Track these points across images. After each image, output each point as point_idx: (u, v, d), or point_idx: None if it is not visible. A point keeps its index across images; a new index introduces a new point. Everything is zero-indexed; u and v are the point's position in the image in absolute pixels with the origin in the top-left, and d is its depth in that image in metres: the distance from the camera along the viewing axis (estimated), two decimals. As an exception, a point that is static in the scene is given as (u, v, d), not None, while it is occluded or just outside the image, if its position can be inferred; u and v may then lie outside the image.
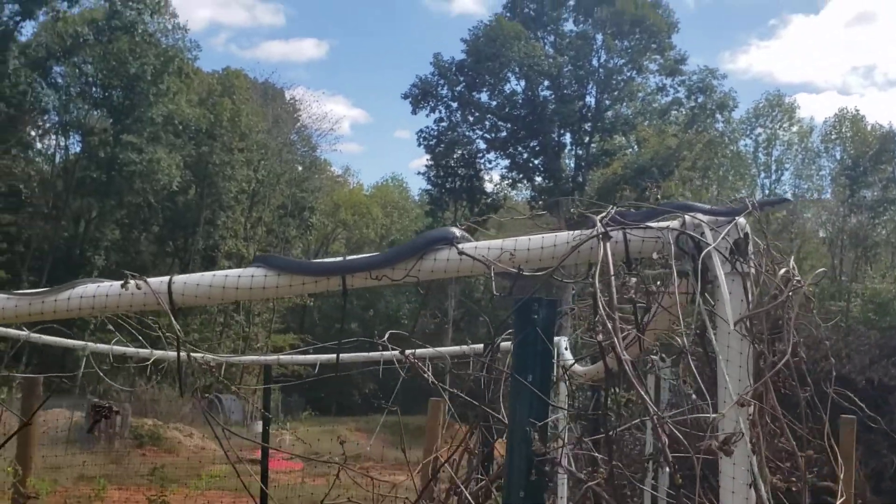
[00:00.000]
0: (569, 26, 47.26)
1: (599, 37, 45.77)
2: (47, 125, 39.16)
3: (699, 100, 45.58)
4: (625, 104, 47.07)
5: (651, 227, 1.95)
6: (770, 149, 47.35)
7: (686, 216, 1.97)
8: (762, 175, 48.27)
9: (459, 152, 47.67)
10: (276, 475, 15.82)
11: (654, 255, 1.87)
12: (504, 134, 46.85)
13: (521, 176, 47.55)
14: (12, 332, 7.75)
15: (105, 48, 36.54)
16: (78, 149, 39.32)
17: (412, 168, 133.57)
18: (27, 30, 36.48)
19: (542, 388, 2.55)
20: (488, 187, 49.37)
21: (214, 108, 42.25)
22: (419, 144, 47.98)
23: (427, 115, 47.61)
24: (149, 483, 11.11)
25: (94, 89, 38.03)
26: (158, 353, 6.87)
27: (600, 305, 1.76)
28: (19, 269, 34.58)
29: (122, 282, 2.09)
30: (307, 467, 18.77)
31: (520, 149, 46.80)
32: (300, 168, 50.45)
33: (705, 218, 1.97)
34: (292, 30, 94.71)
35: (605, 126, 46.28)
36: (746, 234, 1.92)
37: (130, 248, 42.39)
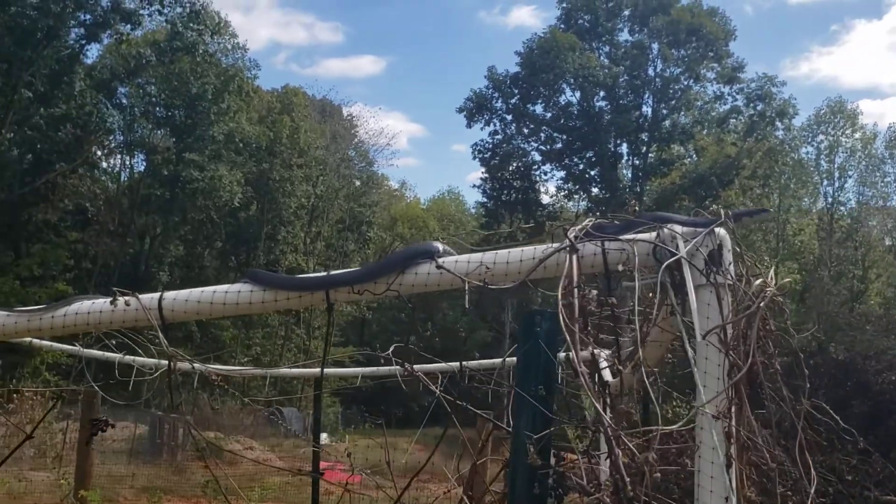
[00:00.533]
0: (624, 36, 46.94)
1: (655, 46, 45.32)
2: (112, 145, 40.23)
3: (758, 108, 44.76)
4: (682, 113, 46.48)
5: (622, 240, 1.94)
6: (832, 156, 46.24)
7: (662, 228, 1.96)
8: (825, 182, 47.17)
9: (514, 164, 47.60)
10: (332, 487, 15.96)
11: (620, 267, 1.87)
12: (559, 145, 46.67)
13: (576, 187, 47.25)
14: (68, 347, 8.00)
15: (167, 69, 37.45)
16: (142, 167, 40.37)
17: (469, 181, 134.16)
18: (92, 52, 37.61)
19: (545, 399, 2.56)
20: (544, 199, 49.18)
21: (274, 125, 42.97)
22: (474, 158, 48.06)
23: (482, 129, 47.71)
24: (203, 494, 11.29)
25: (157, 109, 38.98)
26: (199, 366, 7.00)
27: (562, 318, 1.77)
28: (86, 285, 35.49)
29: (113, 298, 2.16)
30: (365, 479, 18.91)
31: (575, 160, 46.54)
32: (358, 183, 51.00)
33: (681, 229, 1.97)
34: (351, 47, 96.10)
35: (663, 135, 45.77)
36: (720, 245, 1.91)
37: (194, 264, 43.27)
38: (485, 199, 48.91)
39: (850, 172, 46.94)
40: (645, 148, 46.25)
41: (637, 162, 46.58)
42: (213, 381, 2.60)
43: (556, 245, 2.00)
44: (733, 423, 1.75)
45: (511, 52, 57.72)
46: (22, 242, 34.42)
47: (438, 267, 2.07)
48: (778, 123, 45.35)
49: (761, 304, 1.80)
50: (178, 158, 37.71)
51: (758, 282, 1.91)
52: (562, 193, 48.51)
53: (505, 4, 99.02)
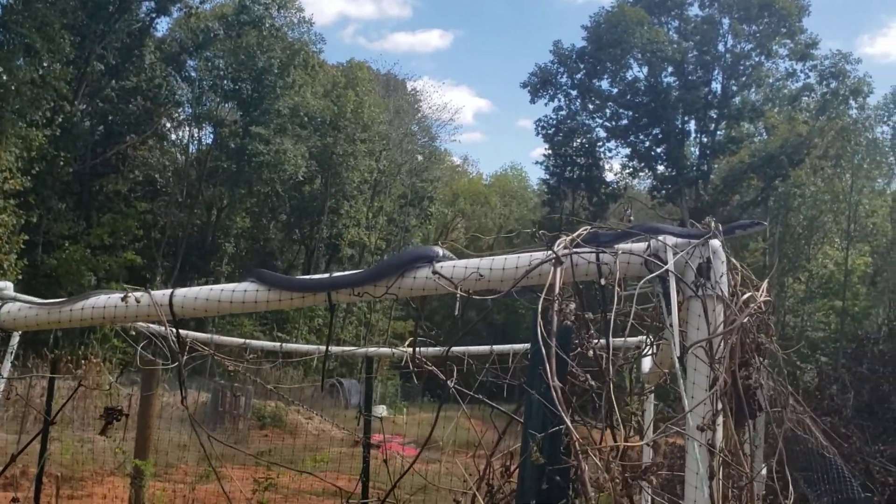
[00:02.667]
0: (694, 11, 45.98)
1: (726, 21, 44.32)
2: (181, 117, 40.97)
3: (832, 85, 43.49)
4: (753, 90, 45.45)
5: (612, 252, 1.95)
6: (909, 136, 44.86)
7: (653, 239, 1.97)
8: (901, 163, 45.82)
9: (579, 141, 47.17)
10: (388, 460, 16.18)
11: (618, 276, 1.88)
12: (625, 122, 46.05)
13: (642, 164, 46.64)
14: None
15: (234, 42, 37.95)
16: (210, 140, 41.02)
17: (533, 157, 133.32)
18: (162, 25, 38.33)
19: (552, 399, 2.58)
20: (608, 176, 48.71)
21: (338, 99, 43.22)
22: (537, 134, 47.75)
23: (546, 104, 47.32)
24: (258, 464, 11.54)
25: (224, 82, 39.52)
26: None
27: (539, 333, 1.79)
28: (154, 255, 36.41)
29: (125, 294, 2.25)
30: (422, 452, 19.11)
31: (641, 137, 45.90)
32: (420, 158, 51.10)
33: (673, 240, 1.97)
34: (419, 21, 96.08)
35: (732, 113, 44.82)
36: (709, 259, 1.90)
37: (259, 236, 43.97)
38: (547, 176, 48.59)
39: (926, 153, 45.49)
40: (713, 125, 45.41)
41: (705, 139, 45.79)
42: (227, 368, 2.65)
43: (543, 256, 2.02)
44: (718, 435, 1.76)
45: (579, 27, 56.95)
46: (93, 212, 35.37)
47: (434, 272, 2.11)
48: (852, 102, 44.02)
49: (745, 320, 1.80)
50: (244, 132, 38.25)
51: (745, 296, 1.91)
52: (626, 171, 48.04)
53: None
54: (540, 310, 1.86)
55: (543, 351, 1.80)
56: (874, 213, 47.54)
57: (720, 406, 1.74)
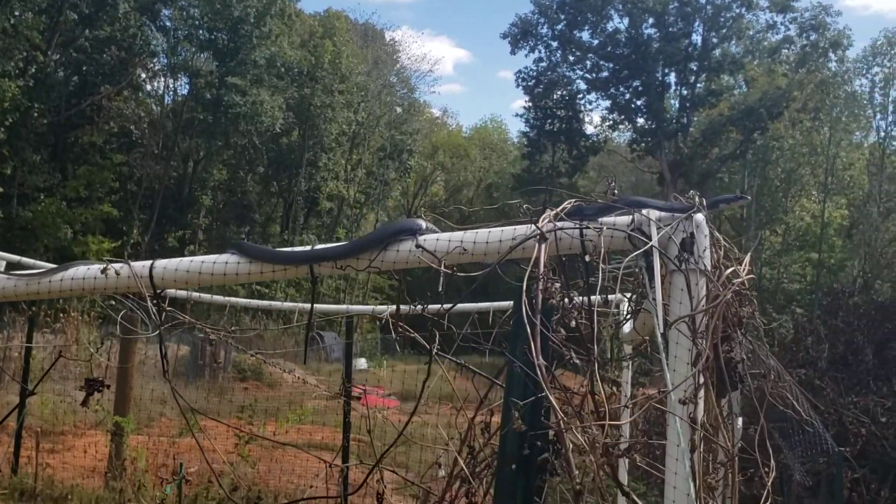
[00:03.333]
0: (675, -39, 45.58)
1: (708, -29, 44.04)
2: (156, 67, 40.35)
3: (811, 38, 43.40)
4: (733, 42, 45.23)
5: (596, 227, 1.95)
6: (887, 89, 44.97)
7: (637, 213, 1.97)
8: (878, 116, 46.00)
9: (559, 93, 46.92)
10: (368, 411, 16.31)
11: (602, 251, 1.87)
12: (605, 74, 45.81)
13: (622, 117, 46.51)
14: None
15: (210, -9, 37.28)
16: (185, 91, 40.46)
17: (513, 109, 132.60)
18: (136, -26, 37.44)
19: (534, 366, 2.59)
20: (588, 129, 48.58)
21: (316, 50, 42.68)
22: (518, 86, 47.47)
23: (526, 56, 46.98)
24: (240, 417, 11.61)
25: (199, 32, 38.84)
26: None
27: (524, 310, 1.79)
28: (131, 208, 36.10)
29: (105, 266, 2.22)
30: (403, 404, 19.27)
31: (621, 89, 45.70)
32: (399, 110, 50.71)
33: (657, 214, 1.97)
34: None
35: (712, 65, 44.67)
36: (692, 234, 1.90)
37: (237, 189, 43.64)
38: (527, 129, 48.43)
39: (905, 106, 45.71)
40: (693, 78, 45.29)
41: (685, 92, 45.69)
42: (208, 336, 2.63)
43: (528, 232, 2.01)
44: (699, 409, 1.78)
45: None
46: (68, 164, 34.93)
47: (417, 246, 2.10)
48: (831, 55, 44.03)
49: (728, 296, 1.81)
50: (220, 82, 37.71)
51: (728, 271, 1.91)
52: (606, 124, 47.87)
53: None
54: (525, 287, 1.86)
55: (528, 330, 1.80)
56: (851, 166, 47.90)
57: (702, 380, 1.76)
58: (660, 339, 1.86)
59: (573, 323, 2.08)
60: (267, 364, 27.04)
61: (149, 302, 2.20)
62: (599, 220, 1.99)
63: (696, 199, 1.93)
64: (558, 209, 2.02)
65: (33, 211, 31.76)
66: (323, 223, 46.14)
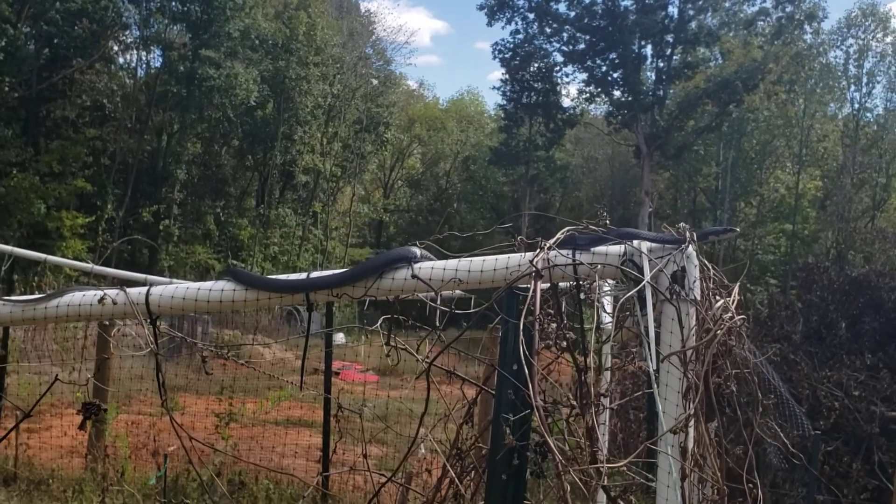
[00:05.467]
0: (652, -69, 45.39)
1: (684, -58, 43.91)
2: (129, 40, 39.75)
3: (787, 10, 43.51)
4: (709, 14, 45.24)
5: (585, 264, 1.99)
6: (861, 61, 45.29)
7: (627, 244, 2.00)
8: (852, 88, 46.33)
9: (536, 66, 46.78)
10: (349, 387, 16.37)
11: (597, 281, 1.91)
12: (582, 46, 45.65)
13: (598, 90, 46.45)
14: (82, 265, 8.21)
15: (181, -39, 36.76)
16: (158, 63, 39.96)
17: (490, 81, 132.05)
18: (106, -56, 36.76)
19: (525, 377, 2.64)
20: (565, 102, 48.54)
21: (290, 21, 42.28)
22: (494, 58, 47.29)
23: (503, 27, 46.79)
24: (220, 395, 11.63)
25: (172, 3, 38.30)
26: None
27: (521, 351, 1.83)
28: (105, 182, 35.75)
29: (102, 295, 2.23)
30: (382, 380, 19.35)
31: (598, 61, 45.60)
32: (375, 82, 50.40)
33: (647, 246, 2.00)
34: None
35: (688, 37, 44.68)
36: (684, 268, 1.94)
37: (211, 162, 43.30)
38: (504, 102, 48.32)
39: (878, 78, 46.16)
40: (669, 50, 45.28)
41: (661, 64, 45.69)
42: (203, 357, 2.63)
43: (521, 261, 2.05)
44: (690, 439, 1.83)
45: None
46: (41, 138, 34.50)
47: (413, 276, 2.13)
48: (806, 27, 44.19)
49: (719, 332, 1.86)
50: (193, 55, 37.27)
51: (718, 304, 1.96)
52: (583, 97, 47.82)
53: None
54: (522, 327, 1.90)
55: (527, 371, 1.84)
56: (825, 138, 48.31)
57: (692, 410, 1.81)
58: (652, 374, 1.91)
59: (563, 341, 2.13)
60: (246, 340, 27.08)
61: (145, 328, 2.22)
62: (592, 250, 2.03)
63: (687, 232, 1.98)
64: (552, 240, 2.05)
65: (6, 186, 31.40)
66: (299, 197, 45.96)
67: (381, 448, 11.09)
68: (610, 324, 2.26)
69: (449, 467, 2.95)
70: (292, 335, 30.09)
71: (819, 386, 11.82)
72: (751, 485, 1.89)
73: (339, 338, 29.91)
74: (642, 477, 2.18)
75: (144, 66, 41.06)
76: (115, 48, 39.09)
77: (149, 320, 2.26)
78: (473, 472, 3.21)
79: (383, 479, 3.86)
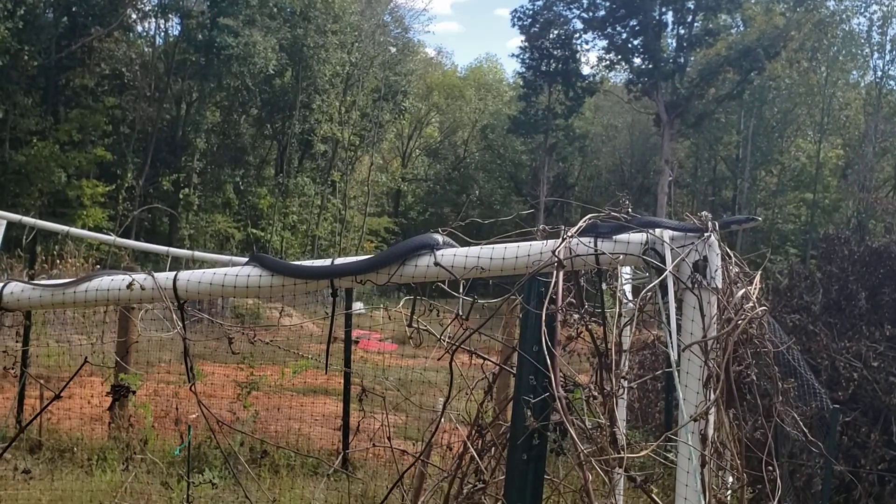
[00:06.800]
0: None
1: None
2: (147, 8, 39.69)
3: (810, -24, 42.85)
4: (732, -21, 44.59)
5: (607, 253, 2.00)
6: (885, 27, 44.58)
7: (649, 232, 2.01)
8: (875, 56, 45.64)
9: (556, 32, 46.30)
10: (367, 356, 16.48)
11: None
12: (602, 13, 45.13)
13: (618, 57, 45.95)
14: (103, 237, 8.29)
15: (199, -72, 36.58)
16: (177, 32, 39.91)
17: (509, 48, 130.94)
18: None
19: (543, 359, 2.67)
20: (585, 70, 48.11)
21: (308, -12, 42.06)
22: (513, 25, 46.83)
23: (523, -7, 46.27)
24: (241, 361, 11.72)
25: (191, -29, 38.25)
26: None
27: (544, 343, 1.85)
28: (125, 151, 35.88)
29: (130, 280, 2.26)
30: (400, 348, 19.45)
31: (618, 28, 45.09)
32: (393, 50, 50.11)
33: (670, 234, 2.01)
34: None
35: (710, 4, 44.02)
36: (706, 257, 1.95)
37: (230, 131, 43.34)
38: (523, 70, 47.89)
39: (903, 45, 45.38)
40: (691, 17, 44.70)
41: (682, 31, 45.14)
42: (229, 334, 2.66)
43: (543, 249, 2.06)
44: (710, 427, 1.85)
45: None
46: (60, 107, 34.66)
47: (436, 264, 2.15)
48: (830, -7, 43.49)
49: (740, 322, 1.87)
50: (212, 23, 37.18)
51: (740, 293, 1.97)
52: (603, 64, 47.37)
53: None
54: (544, 318, 1.92)
55: (548, 360, 1.86)
56: (847, 106, 47.72)
57: (713, 397, 1.83)
58: (674, 364, 1.93)
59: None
60: (266, 308, 27.23)
61: (173, 313, 2.25)
62: (614, 238, 2.04)
63: (709, 221, 1.98)
64: (574, 229, 2.06)
65: (26, 155, 31.60)
66: (318, 166, 45.97)
67: (400, 417, 11.18)
68: (631, 307, 2.27)
69: (469, 444, 3.00)
70: (314, 304, 30.21)
71: (838, 357, 11.81)
72: (770, 468, 1.91)
73: (358, 306, 30.04)
74: (661, 457, 2.21)
75: (163, 34, 41.09)
76: (134, 16, 39.13)
77: (176, 305, 2.30)
78: (493, 448, 3.25)
79: (405, 453, 3.92)
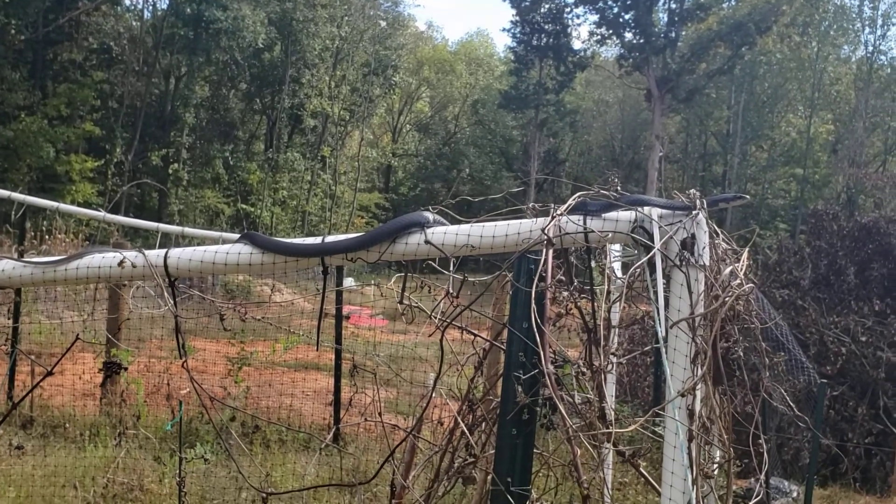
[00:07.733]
0: None
1: None
2: (134, -19, 39.33)
3: (803, -51, 42.66)
4: (724, -48, 44.40)
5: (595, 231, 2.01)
6: (877, 2, 44.46)
7: (638, 210, 2.03)
8: (866, 30, 45.59)
9: (547, 6, 46.03)
10: (358, 331, 16.52)
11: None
12: (593, -15, 44.92)
13: (610, 32, 45.74)
14: (92, 213, 8.26)
15: None
16: (165, 5, 39.54)
17: (500, 23, 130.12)
18: None
19: (536, 336, 2.69)
20: (576, 44, 47.91)
21: (297, -39, 41.68)
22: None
23: (514, -35, 45.88)
24: (232, 337, 11.72)
25: (177, -58, 37.79)
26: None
27: (533, 320, 1.87)
28: (113, 126, 35.67)
29: (121, 258, 2.27)
30: (391, 323, 19.49)
31: (610, 2, 44.80)
32: (383, 24, 49.79)
33: (658, 212, 2.03)
34: None
35: (701, -23, 43.89)
36: (693, 235, 1.97)
37: (219, 106, 43.09)
38: (514, 44, 47.68)
39: (893, 20, 45.38)
40: (683, -10, 44.52)
41: (673, 5, 44.94)
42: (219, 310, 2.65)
43: (533, 227, 2.07)
44: (697, 402, 1.88)
45: None
46: (48, 82, 34.36)
47: (427, 242, 2.17)
48: (822, -33, 43.34)
49: (727, 299, 1.89)
50: (200, -3, 36.86)
51: (727, 270, 1.99)
52: (594, 39, 47.12)
53: None
54: (534, 295, 1.93)
55: (538, 337, 1.88)
56: (838, 81, 47.72)
57: (700, 373, 1.85)
58: (661, 340, 1.95)
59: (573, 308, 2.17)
60: (256, 283, 27.20)
61: (164, 290, 2.26)
62: (603, 216, 2.06)
63: (697, 199, 2.00)
64: (563, 207, 2.08)
65: (14, 130, 31.36)
66: (307, 141, 45.78)
67: (391, 392, 11.22)
68: (620, 283, 2.30)
69: (460, 419, 3.03)
70: (302, 278, 30.18)
71: (826, 331, 11.91)
72: (758, 442, 1.94)
73: (349, 282, 30.04)
74: (650, 432, 2.24)
75: (151, 7, 40.70)
76: (121, -11, 38.68)
77: (167, 283, 2.31)
78: (483, 423, 3.29)
79: (396, 428, 3.96)
